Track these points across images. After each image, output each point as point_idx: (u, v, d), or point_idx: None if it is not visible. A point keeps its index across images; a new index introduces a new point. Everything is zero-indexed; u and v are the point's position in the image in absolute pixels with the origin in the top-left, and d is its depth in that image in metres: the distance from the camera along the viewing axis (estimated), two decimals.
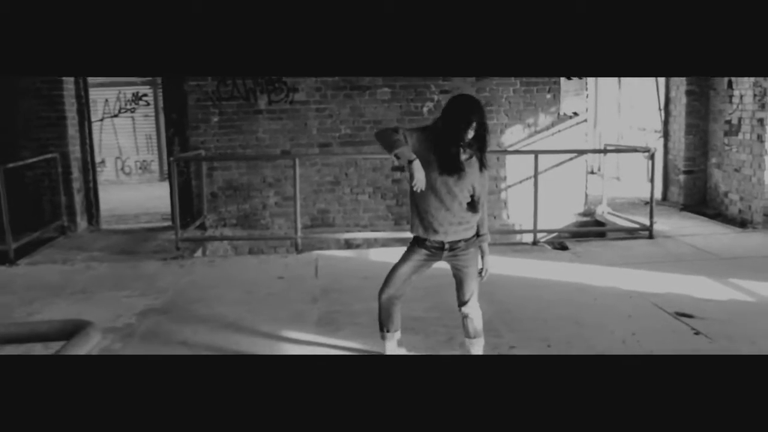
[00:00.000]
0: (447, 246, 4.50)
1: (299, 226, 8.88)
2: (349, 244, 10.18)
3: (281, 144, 10.36)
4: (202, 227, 10.34)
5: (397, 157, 4.17)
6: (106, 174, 17.45)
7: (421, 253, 4.61)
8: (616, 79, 15.16)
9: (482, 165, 4.47)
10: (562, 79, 10.51)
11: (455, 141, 4.24)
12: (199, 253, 9.57)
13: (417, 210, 4.47)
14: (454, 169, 4.28)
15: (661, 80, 11.88)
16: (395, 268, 4.74)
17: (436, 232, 4.44)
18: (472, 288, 4.73)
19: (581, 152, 10.63)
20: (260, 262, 8.33)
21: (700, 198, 11.04)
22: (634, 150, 10.37)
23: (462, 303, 4.77)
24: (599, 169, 14.99)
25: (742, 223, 9.76)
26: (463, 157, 4.35)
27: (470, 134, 4.23)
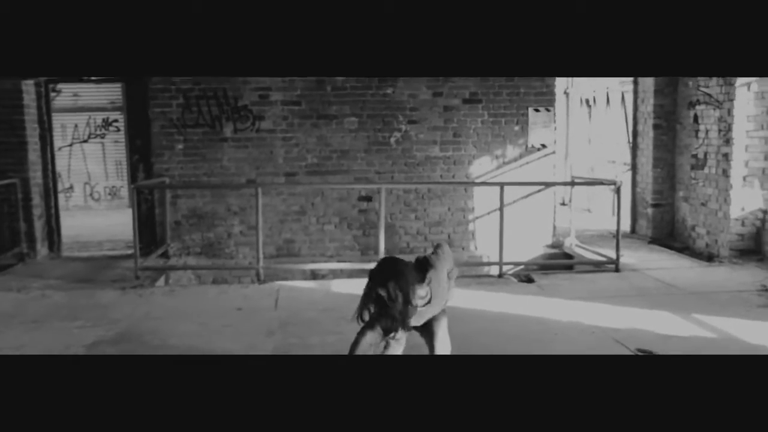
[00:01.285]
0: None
1: (261, 256, 8.74)
2: (314, 275, 10.03)
3: (247, 173, 10.24)
4: (165, 255, 10.16)
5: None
6: (74, 199, 17.23)
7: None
8: (586, 112, 15.23)
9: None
10: (530, 111, 10.50)
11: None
12: (161, 281, 9.39)
13: None
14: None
15: (631, 114, 11.91)
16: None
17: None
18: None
19: (548, 185, 10.59)
20: (220, 292, 8.16)
21: (668, 231, 11.03)
22: (601, 183, 10.37)
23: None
24: (570, 201, 14.99)
25: (708, 257, 9.73)
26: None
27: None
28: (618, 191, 9.02)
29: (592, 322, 6.69)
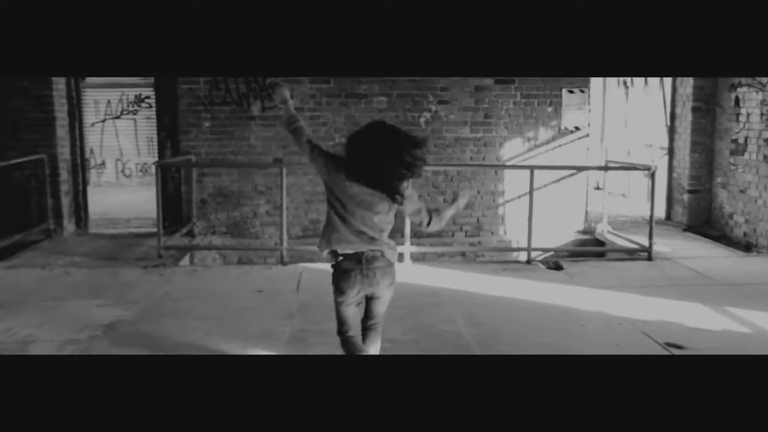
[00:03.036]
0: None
1: (285, 237, 8.62)
2: None
3: (273, 151, 10.12)
4: (191, 234, 10.10)
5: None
6: (106, 176, 17.32)
7: None
8: (623, 93, 14.85)
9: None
10: (564, 93, 10.22)
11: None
12: (185, 260, 9.35)
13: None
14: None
15: (669, 96, 11.55)
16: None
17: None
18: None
19: (579, 169, 10.33)
20: (242, 273, 8.06)
21: (704, 218, 10.70)
22: (634, 168, 10.06)
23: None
24: (603, 185, 14.67)
25: (746, 246, 9.43)
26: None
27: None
28: (653, 176, 8.73)
29: (621, 313, 6.47)
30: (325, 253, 4.15)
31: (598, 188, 13.88)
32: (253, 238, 10.25)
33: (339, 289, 4.08)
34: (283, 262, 8.51)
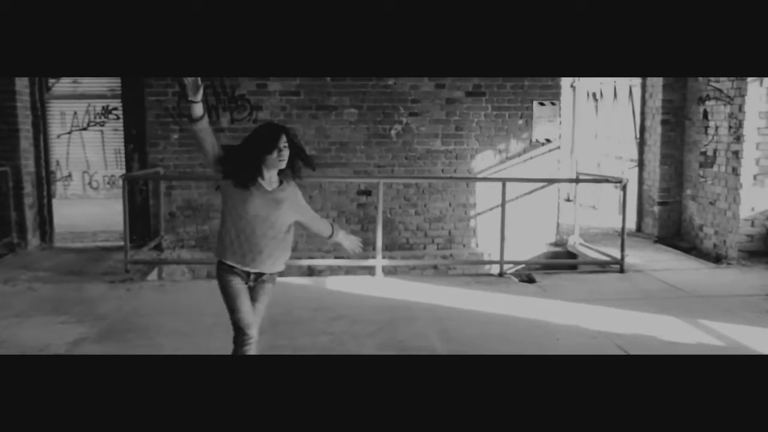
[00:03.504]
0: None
1: None
2: (311, 270, 9.81)
3: None
4: (159, 248, 9.93)
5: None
6: (73, 188, 17.02)
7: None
8: (593, 106, 14.94)
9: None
10: (535, 105, 10.23)
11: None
12: (154, 275, 9.17)
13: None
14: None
15: (638, 109, 11.62)
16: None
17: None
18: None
19: (551, 181, 10.33)
20: (213, 288, 7.86)
21: (674, 230, 10.75)
22: (606, 180, 10.06)
23: None
24: (574, 197, 14.72)
25: (716, 258, 9.46)
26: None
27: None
28: (624, 189, 8.74)
29: (595, 326, 6.44)
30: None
31: (568, 200, 13.93)
32: None
33: None
34: None
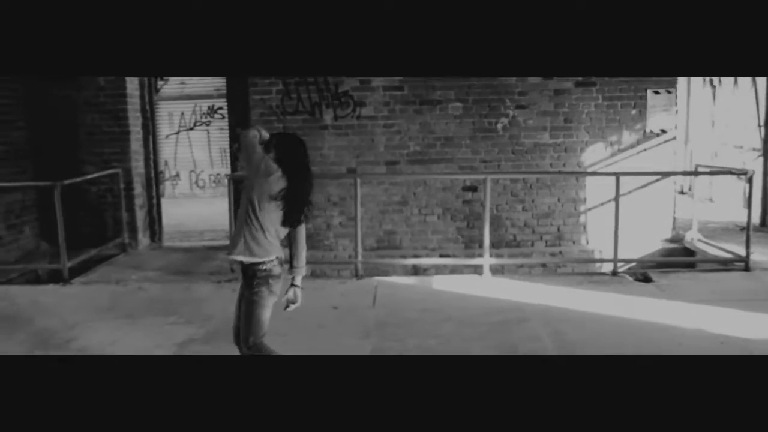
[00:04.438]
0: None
1: (360, 250, 8.37)
2: (416, 269, 9.63)
3: (347, 161, 9.90)
4: None
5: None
6: (180, 187, 17.42)
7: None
8: (710, 93, 14.18)
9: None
10: (649, 94, 9.72)
11: None
12: None
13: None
14: None
15: (762, 95, 10.91)
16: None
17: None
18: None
19: (669, 174, 9.80)
20: (316, 288, 7.83)
21: None
22: (729, 172, 9.44)
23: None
24: (690, 189, 14.03)
25: None
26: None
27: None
28: (750, 181, 8.18)
29: (721, 330, 6.01)
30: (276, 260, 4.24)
31: (682, 192, 13.28)
32: (327, 251, 10.03)
33: (274, 293, 4.26)
34: (357, 276, 8.27)
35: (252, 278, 4.20)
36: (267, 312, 4.27)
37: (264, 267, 4.17)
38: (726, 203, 12.76)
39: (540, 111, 9.78)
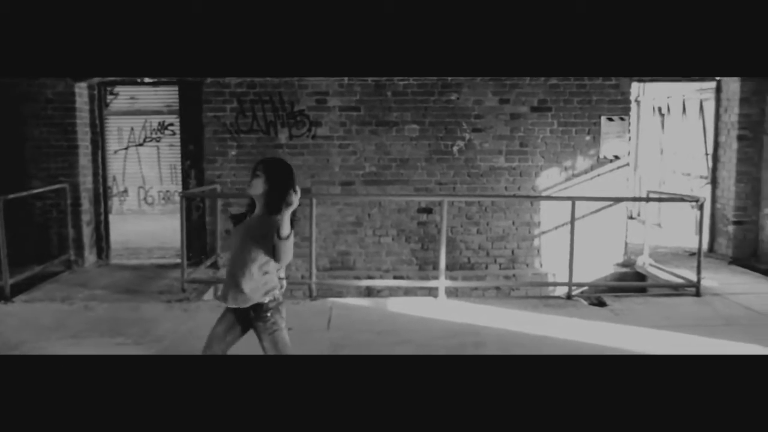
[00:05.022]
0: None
1: (314, 270, 8.25)
2: (370, 291, 9.54)
3: (301, 181, 9.76)
4: (215, 266, 9.76)
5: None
6: (128, 203, 17.05)
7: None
8: (658, 120, 14.43)
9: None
10: (603, 120, 9.83)
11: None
12: (209, 294, 8.98)
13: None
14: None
15: (710, 125, 11.12)
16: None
17: None
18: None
19: (623, 200, 9.91)
20: None
21: (750, 251, 10.22)
22: (682, 199, 9.55)
23: None
24: (638, 214, 14.22)
25: None
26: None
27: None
28: (701, 208, 8.29)
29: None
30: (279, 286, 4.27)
31: (631, 217, 13.43)
32: None
33: (282, 314, 4.29)
34: (311, 297, 8.14)
35: (265, 312, 4.19)
36: (286, 333, 4.29)
37: (275, 299, 4.21)
38: (673, 229, 12.95)
39: (496, 135, 9.82)
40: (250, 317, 4.21)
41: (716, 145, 10.75)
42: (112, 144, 16.28)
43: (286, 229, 3.81)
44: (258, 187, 4.11)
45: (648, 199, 10.19)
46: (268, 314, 4.18)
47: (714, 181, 10.83)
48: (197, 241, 9.87)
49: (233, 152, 9.76)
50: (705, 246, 10.59)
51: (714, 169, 10.84)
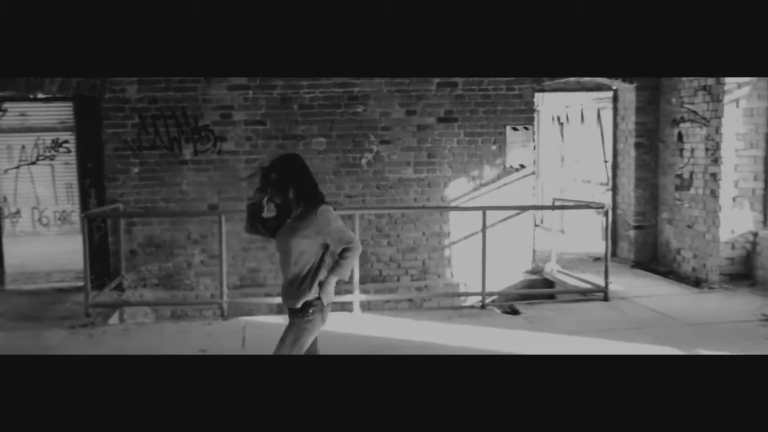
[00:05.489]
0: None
1: (225, 289, 8.04)
2: (281, 307, 9.36)
3: (208, 197, 9.55)
4: (120, 288, 9.39)
5: None
6: (21, 225, 16.26)
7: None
8: (558, 129, 14.81)
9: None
10: (508, 130, 9.99)
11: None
12: (115, 317, 8.65)
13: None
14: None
15: (608, 132, 11.48)
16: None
17: None
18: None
19: (532, 208, 10.11)
20: (180, 330, 7.44)
21: (651, 254, 10.57)
22: (588, 206, 9.79)
23: None
24: (542, 221, 14.52)
25: (696, 282, 9.28)
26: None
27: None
28: (606, 214, 8.52)
29: None
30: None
31: (536, 225, 13.69)
32: (188, 290, 9.59)
33: (324, 321, 4.32)
34: (224, 316, 7.92)
35: (308, 307, 4.20)
36: (310, 341, 4.31)
37: (319, 298, 4.20)
38: (576, 235, 13.28)
39: (404, 146, 9.84)
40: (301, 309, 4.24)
41: (615, 152, 11.10)
42: (2, 163, 15.54)
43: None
44: (284, 191, 4.13)
45: (556, 207, 10.40)
46: (311, 309, 4.21)
47: (614, 188, 11.17)
48: (99, 262, 9.44)
49: (136, 169, 9.43)
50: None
51: (614, 176, 11.18)
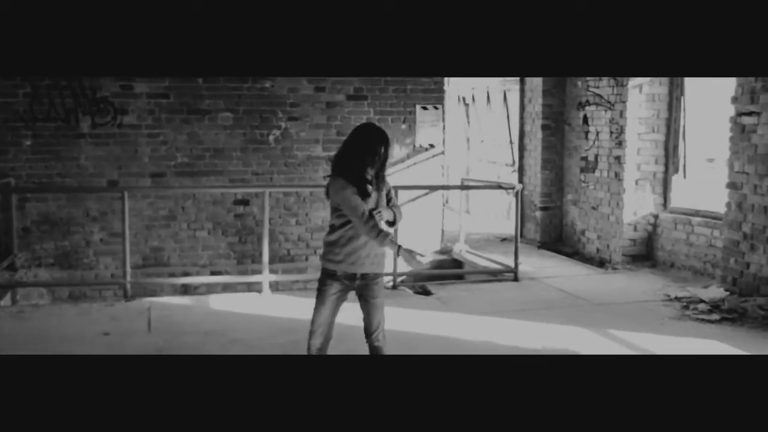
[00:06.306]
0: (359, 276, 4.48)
1: (128, 269, 7.68)
2: (186, 287, 9.06)
3: (107, 173, 9.10)
4: (12, 268, 8.85)
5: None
6: None
7: (335, 287, 4.47)
8: (463, 110, 14.88)
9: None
10: (418, 109, 9.93)
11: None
12: (7, 299, 8.18)
13: (339, 241, 4.42)
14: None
15: (514, 114, 11.59)
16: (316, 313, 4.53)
17: (353, 263, 4.42)
18: (379, 318, 4.66)
19: (443, 188, 10.10)
20: (81, 312, 7.05)
21: (556, 235, 10.76)
22: (499, 186, 9.81)
23: (369, 333, 4.68)
24: (447, 201, 14.60)
25: (600, 262, 9.50)
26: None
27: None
28: (517, 195, 8.58)
29: (506, 341, 6.15)
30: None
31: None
32: (86, 269, 9.14)
33: None
34: (127, 297, 7.57)
35: (378, 278, 4.61)
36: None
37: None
38: (482, 216, 13.41)
39: (312, 123, 9.64)
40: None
41: (522, 134, 11.22)
42: None
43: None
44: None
45: (467, 187, 10.43)
46: (379, 279, 4.63)
47: (521, 169, 11.30)
48: None
49: (28, 142, 8.88)
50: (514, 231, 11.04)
51: (521, 158, 11.31)
